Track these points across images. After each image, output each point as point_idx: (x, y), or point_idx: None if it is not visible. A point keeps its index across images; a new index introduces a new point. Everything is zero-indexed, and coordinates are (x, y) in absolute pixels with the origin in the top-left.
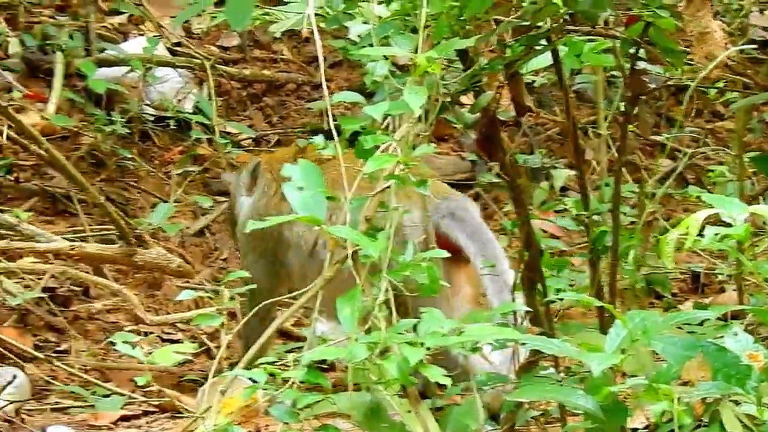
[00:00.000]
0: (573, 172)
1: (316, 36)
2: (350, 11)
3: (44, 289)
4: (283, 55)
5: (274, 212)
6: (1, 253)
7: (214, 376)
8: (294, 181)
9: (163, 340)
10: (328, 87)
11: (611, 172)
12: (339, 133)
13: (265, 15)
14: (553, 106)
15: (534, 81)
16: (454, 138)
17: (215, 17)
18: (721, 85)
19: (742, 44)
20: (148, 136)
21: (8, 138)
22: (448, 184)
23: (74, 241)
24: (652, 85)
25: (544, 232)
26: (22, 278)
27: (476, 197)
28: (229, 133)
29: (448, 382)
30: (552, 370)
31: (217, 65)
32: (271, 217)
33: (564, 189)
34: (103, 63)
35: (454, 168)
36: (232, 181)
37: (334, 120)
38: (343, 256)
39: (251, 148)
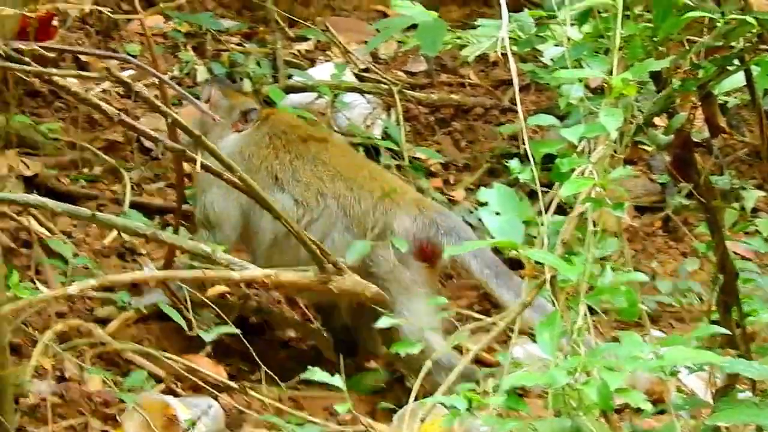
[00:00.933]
0: (764, 193)
1: (511, 60)
2: (542, 34)
3: (237, 318)
4: (470, 79)
5: (256, 167)
6: (195, 282)
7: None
8: (490, 206)
9: (357, 368)
10: (517, 111)
11: None
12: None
13: (456, 39)
14: (742, 127)
15: (726, 102)
16: (643, 160)
17: (403, 43)
18: None
19: None
20: None
21: (202, 166)
22: (638, 207)
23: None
24: None
25: (735, 254)
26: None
27: (666, 220)
28: (417, 159)
29: (648, 407)
30: (748, 393)
31: (404, 90)
32: (251, 165)
33: (755, 210)
34: (291, 89)
35: (643, 190)
36: (214, 98)
37: (524, 143)
38: (541, 281)
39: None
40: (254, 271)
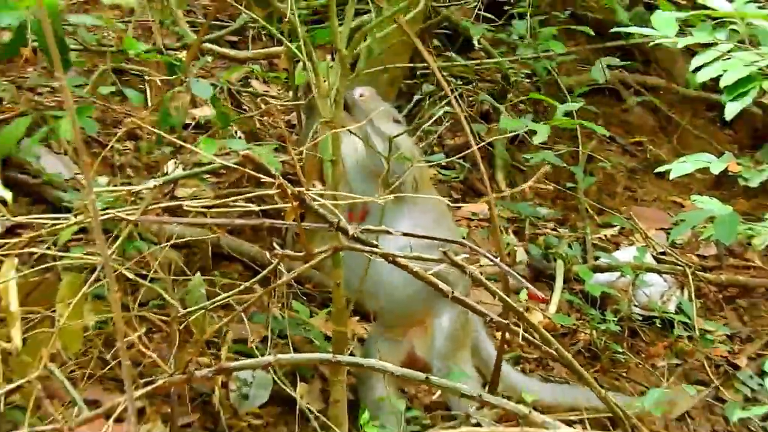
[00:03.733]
0: None
1: None
2: None
3: None
4: (754, 263)
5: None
6: None
7: None
8: None
9: None
10: None
11: None
12: None
13: (747, 230)
14: None
15: None
16: None
17: (699, 233)
18: None
19: None
20: (636, 333)
21: (523, 338)
22: None
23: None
24: None
25: None
26: None
27: None
28: (707, 331)
29: None
30: None
31: (696, 272)
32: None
33: None
34: (597, 269)
35: None
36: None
37: None
38: None
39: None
40: (563, 430)
